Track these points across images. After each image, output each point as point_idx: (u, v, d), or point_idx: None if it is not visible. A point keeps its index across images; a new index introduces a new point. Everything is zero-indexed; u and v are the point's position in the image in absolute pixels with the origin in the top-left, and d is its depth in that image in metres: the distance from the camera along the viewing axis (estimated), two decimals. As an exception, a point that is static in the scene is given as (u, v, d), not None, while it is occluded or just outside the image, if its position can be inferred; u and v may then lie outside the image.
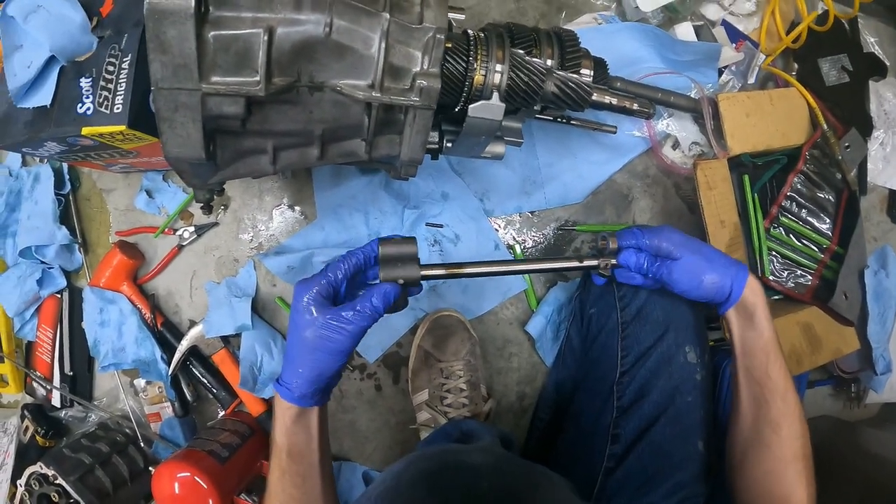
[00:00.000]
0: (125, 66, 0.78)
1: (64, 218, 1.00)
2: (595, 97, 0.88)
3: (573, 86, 0.81)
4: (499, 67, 0.75)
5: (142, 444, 1.02)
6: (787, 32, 1.08)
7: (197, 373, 1.02)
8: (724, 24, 1.07)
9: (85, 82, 0.79)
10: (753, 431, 0.71)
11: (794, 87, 1.02)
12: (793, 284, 1.04)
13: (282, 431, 0.66)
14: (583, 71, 0.84)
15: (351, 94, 0.69)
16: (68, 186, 1.01)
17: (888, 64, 1.11)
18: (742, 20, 1.08)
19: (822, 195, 1.04)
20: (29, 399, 1.04)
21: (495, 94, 0.76)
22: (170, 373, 0.99)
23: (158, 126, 0.67)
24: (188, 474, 0.86)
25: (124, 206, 1.02)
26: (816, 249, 1.04)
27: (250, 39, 0.64)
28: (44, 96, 0.78)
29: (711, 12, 1.06)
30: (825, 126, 1.01)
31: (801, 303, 1.03)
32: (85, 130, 0.77)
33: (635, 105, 0.90)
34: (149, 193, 1.02)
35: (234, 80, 0.65)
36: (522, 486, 0.67)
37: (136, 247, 1.02)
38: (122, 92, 0.77)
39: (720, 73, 1.06)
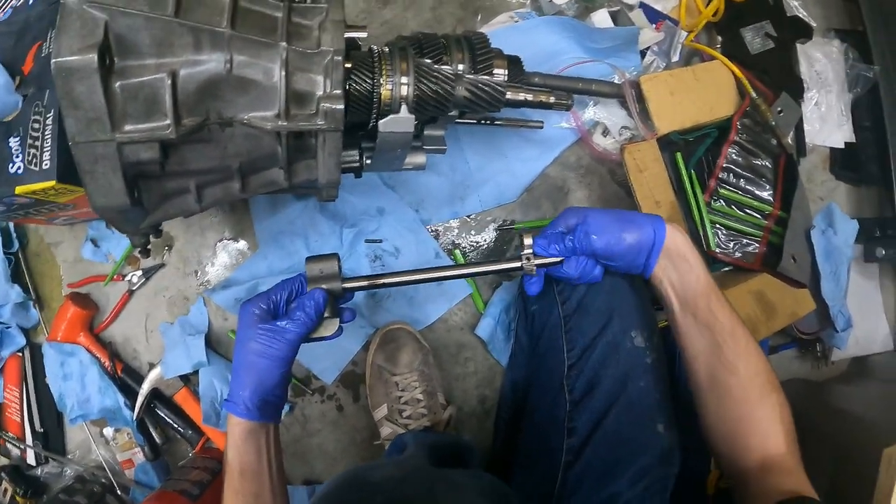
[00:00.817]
0: (49, 121, 0.85)
1: (15, 276, 1.08)
2: (509, 96, 0.93)
3: (484, 87, 0.87)
4: (404, 80, 0.81)
5: (119, 492, 1.09)
6: (707, 6, 1.14)
7: (162, 414, 1.09)
8: (642, 5, 1.14)
9: (14, 142, 0.86)
10: (711, 381, 0.72)
11: (717, 60, 1.09)
12: (740, 254, 1.10)
13: (233, 449, 0.70)
14: (496, 71, 0.90)
15: (260, 126, 0.76)
16: (16, 244, 1.08)
17: (814, 25, 1.18)
18: (659, 0, 1.15)
19: (758, 162, 1.10)
20: (4, 461, 1.11)
21: (403, 107, 0.82)
22: (135, 418, 1.06)
23: (81, 179, 0.73)
24: (161, 514, 0.92)
25: (72, 257, 1.10)
26: (760, 217, 1.10)
27: (155, 85, 0.70)
28: (-24, 161, 0.85)
29: (628, -4, 1.13)
30: (753, 94, 1.07)
31: (751, 271, 1.09)
32: (18, 189, 0.85)
33: (552, 98, 0.97)
34: (94, 242, 1.09)
35: (145, 127, 0.71)
36: (418, 495, 0.72)
37: (89, 297, 1.10)
38: (49, 148, 0.84)
39: (643, 55, 1.13)
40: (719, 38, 1.17)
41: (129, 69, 0.69)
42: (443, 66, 0.86)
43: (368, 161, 0.90)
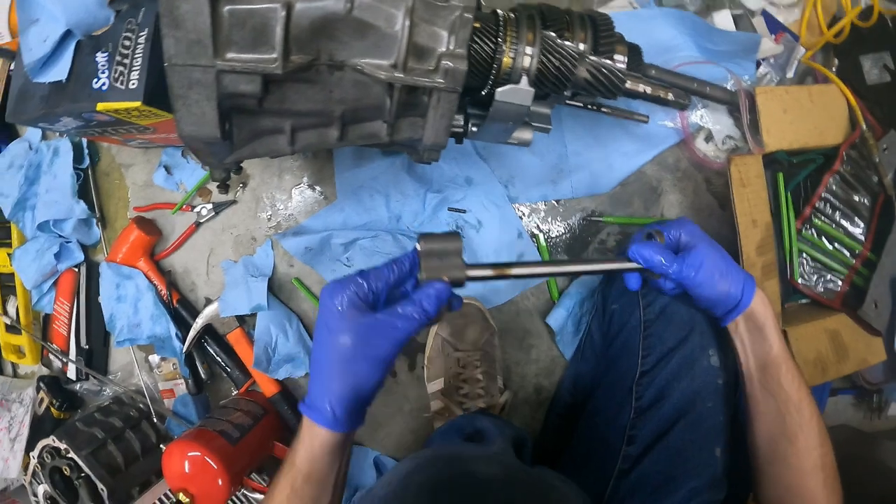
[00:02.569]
0: (141, 40, 0.73)
1: (82, 192, 0.97)
2: (629, 85, 0.81)
3: (606, 72, 0.74)
4: (529, 50, 0.69)
5: (155, 420, 0.99)
6: (829, 26, 0.99)
7: (211, 351, 0.99)
8: (764, 14, 0.98)
9: (101, 57, 0.75)
10: (770, 445, 0.68)
11: (833, 84, 0.94)
12: (822, 289, 0.97)
13: (306, 455, 0.55)
14: (616, 57, 0.77)
15: (372, 74, 0.63)
16: (87, 161, 0.97)
17: (934, 62, 1.02)
18: (783, 11, 1.00)
19: (857, 198, 0.96)
20: (45, 371, 1.02)
21: (524, 79, 0.69)
22: (184, 350, 0.96)
23: (172, 104, 0.62)
24: (198, 454, 0.83)
25: (143, 181, 0.98)
26: (848, 254, 0.97)
27: (267, 15, 0.58)
28: (60, 71, 0.74)
29: (752, 1, 0.98)
30: (864, 126, 0.93)
31: (829, 308, 0.96)
32: (100, 106, 0.73)
33: (670, 95, 0.83)
34: (167, 169, 0.97)
35: (250, 58, 0.60)
36: (530, 502, 0.62)
37: (154, 223, 0.99)
38: (138, 67, 0.72)
39: (758, 65, 0.98)
40: (836, 61, 1.01)
41: None
42: (566, 43, 0.72)
43: (475, 129, 0.77)
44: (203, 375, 0.99)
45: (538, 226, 1.02)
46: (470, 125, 0.77)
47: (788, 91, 0.92)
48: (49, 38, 0.72)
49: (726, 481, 0.72)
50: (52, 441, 0.87)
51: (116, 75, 0.74)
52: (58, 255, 0.95)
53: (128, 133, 0.84)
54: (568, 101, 0.83)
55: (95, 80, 0.74)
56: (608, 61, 0.75)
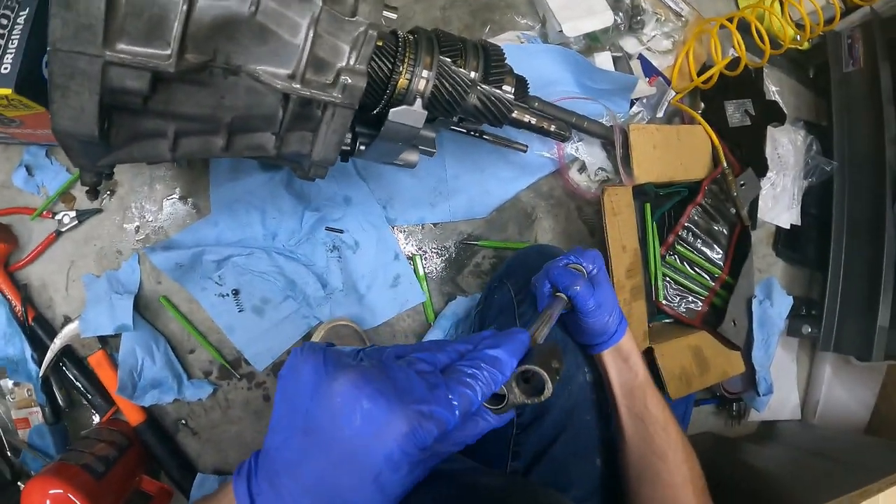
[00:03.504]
0: (20, 20, 0.72)
1: (-81, 192, 0.89)
2: (515, 115, 0.90)
3: (495, 101, 0.83)
4: (425, 74, 0.75)
5: (9, 454, 0.91)
6: (698, 73, 1.16)
7: (70, 375, 0.94)
8: (641, 58, 1.14)
9: (-34, 37, 0.71)
10: (642, 463, 0.76)
11: (699, 125, 1.10)
12: (684, 309, 1.11)
13: None
14: (505, 87, 0.86)
15: (269, 83, 0.67)
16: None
17: (787, 113, 1.22)
18: (658, 56, 1.16)
19: (716, 227, 1.13)
20: None
21: (418, 101, 0.76)
22: (40, 374, 0.90)
23: (49, 93, 0.61)
24: (61, 491, 0.78)
25: (1, 181, 0.92)
26: (708, 278, 1.12)
27: (167, 7, 0.60)
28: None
29: (630, 45, 1.13)
30: (725, 164, 1.10)
31: (690, 327, 1.10)
32: (-35, 90, 0.70)
33: (553, 127, 0.94)
34: (28, 170, 0.93)
35: (142, 51, 0.61)
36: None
37: (10, 229, 0.93)
38: (14, 50, 0.71)
39: (632, 104, 1.13)
40: (702, 105, 1.19)
41: None
42: (461, 70, 0.80)
43: (363, 147, 0.82)
44: (61, 402, 0.93)
45: (416, 247, 1.08)
46: (358, 144, 0.81)
47: (659, 129, 1.07)
48: None
49: (605, 490, 0.80)
50: None
51: None
52: None
53: (-7, 126, 0.80)
54: (453, 127, 0.90)
55: None
56: (498, 91, 0.83)
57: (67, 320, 0.94)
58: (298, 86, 0.67)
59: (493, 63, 0.84)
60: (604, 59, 1.10)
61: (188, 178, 0.99)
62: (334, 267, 1.03)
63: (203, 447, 0.99)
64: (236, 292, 0.99)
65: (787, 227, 1.24)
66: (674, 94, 1.15)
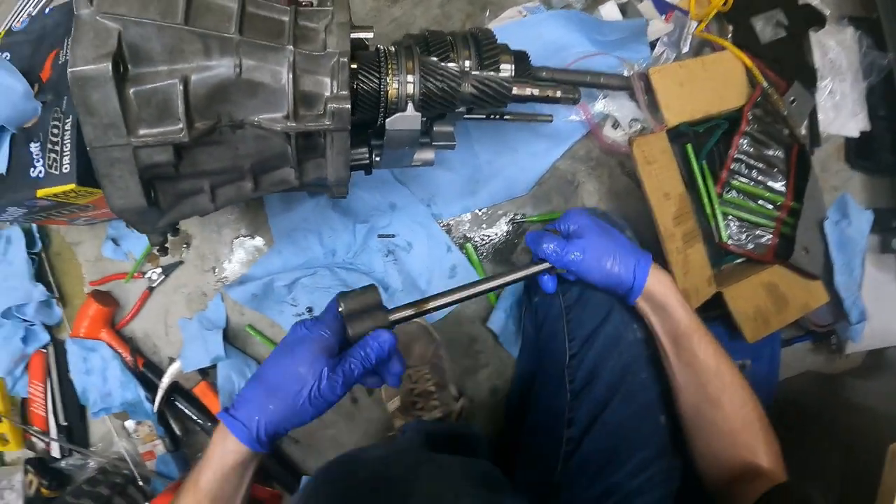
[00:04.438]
0: (68, 127, 0.90)
1: (39, 275, 1.14)
2: (515, 91, 0.96)
3: (489, 84, 0.90)
4: (410, 78, 0.84)
5: (140, 483, 1.14)
6: (717, -4, 1.15)
7: (182, 407, 1.14)
8: (651, -3, 1.15)
9: (34, 147, 0.91)
10: (696, 412, 0.78)
11: (726, 50, 1.10)
12: (752, 246, 1.11)
13: (213, 475, 0.62)
14: (503, 67, 0.93)
15: (269, 128, 0.79)
16: (39, 244, 1.14)
17: (827, 13, 1.18)
18: (669, -10, 1.16)
19: (770, 153, 1.12)
20: (30, 454, 1.17)
21: (410, 105, 0.85)
22: (155, 410, 1.11)
23: (99, 182, 0.78)
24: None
25: (94, 256, 1.15)
26: (772, 208, 1.12)
27: (168, 90, 0.74)
28: (-1, 165, 0.90)
29: (634, -12, 1.15)
30: (764, 84, 1.08)
31: (763, 263, 1.10)
32: (40, 193, 0.90)
33: (558, 93, 0.99)
34: (115, 241, 1.14)
35: (159, 131, 0.75)
36: (402, 474, 0.71)
37: (110, 294, 1.15)
38: (68, 152, 0.89)
39: (653, 46, 1.14)
40: (730, 28, 1.18)
41: (143, 76, 0.73)
42: (449, 64, 0.89)
43: (378, 158, 0.93)
44: (178, 432, 1.14)
45: (465, 236, 1.18)
46: (374, 155, 0.93)
47: (682, 66, 1.08)
48: (-16, 136, 0.90)
49: (678, 446, 0.83)
50: (42, 517, 1.03)
51: (50, 162, 0.91)
52: (25, 340, 1.11)
53: (71, 213, 1.01)
54: (466, 117, 0.98)
55: (32, 169, 0.90)
56: (492, 73, 0.91)
57: (171, 361, 1.14)
58: (294, 123, 0.79)
59: (483, 48, 0.92)
60: (609, 10, 1.13)
61: (249, 218, 1.16)
62: (392, 270, 1.16)
63: (305, 452, 1.17)
64: (310, 309, 1.15)
65: (857, 135, 1.19)
66: (695, 24, 1.15)
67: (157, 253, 1.14)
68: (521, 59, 0.98)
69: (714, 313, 1.09)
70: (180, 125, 0.76)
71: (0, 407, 1.14)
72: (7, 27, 1.04)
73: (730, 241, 1.10)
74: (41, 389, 1.14)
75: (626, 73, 1.09)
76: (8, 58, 0.94)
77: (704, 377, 0.77)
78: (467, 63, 0.91)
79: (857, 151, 1.22)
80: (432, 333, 1.11)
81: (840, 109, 1.17)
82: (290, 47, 0.77)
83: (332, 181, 0.88)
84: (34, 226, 1.14)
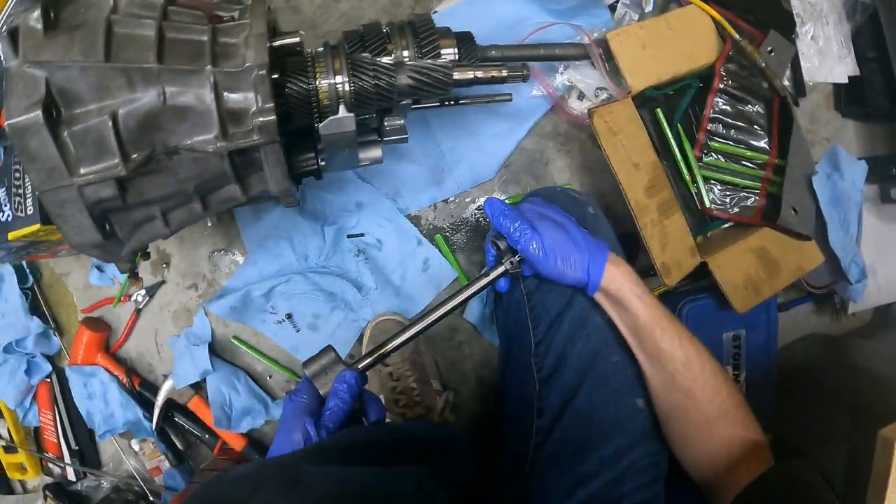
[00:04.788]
0: (27, 170, 0.96)
1: (34, 308, 1.23)
2: (457, 76, 0.95)
3: (426, 71, 0.91)
4: (339, 78, 0.87)
5: (151, 499, 1.22)
6: (680, -55, 1.11)
7: (180, 422, 1.22)
8: (605, -44, 1.12)
9: (1, 191, 0.98)
10: (668, 403, 0.78)
11: (691, 4, 1.07)
12: (738, 209, 1.10)
13: None
14: (444, 52, 0.95)
15: (202, 150, 0.83)
16: (31, 279, 1.23)
17: (802, -48, 1.13)
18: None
19: (750, 109, 1.09)
20: (48, 479, 1.27)
21: (342, 106, 0.87)
22: (154, 428, 1.18)
23: (54, 222, 0.84)
24: (182, 519, 1.04)
25: (82, 284, 1.23)
26: (756, 167, 1.09)
27: (100, 128, 0.79)
28: (-31, 213, 0.98)
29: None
30: (736, 36, 1.05)
31: (751, 227, 1.08)
32: (11, 235, 0.98)
33: (504, 72, 0.98)
34: (99, 268, 1.23)
35: (98, 167, 0.81)
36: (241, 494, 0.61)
37: (102, 319, 1.23)
38: (31, 194, 0.97)
39: (613, 9, 1.13)
40: (698, -20, 1.14)
41: (75, 117, 0.79)
42: (383, 58, 0.90)
43: (324, 163, 0.95)
44: (180, 446, 1.22)
45: (435, 227, 1.21)
46: (320, 160, 0.95)
47: (643, 26, 1.06)
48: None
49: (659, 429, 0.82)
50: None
51: (16, 205, 0.98)
52: (28, 372, 1.21)
53: (49, 248, 1.09)
54: (415, 107, 1.00)
55: (1, 213, 0.98)
56: (428, 61, 0.92)
57: (166, 378, 1.21)
58: (224, 143, 0.82)
59: (420, 35, 0.94)
60: (561, -23, 1.11)
61: (222, 232, 1.22)
62: (364, 269, 1.20)
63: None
64: (290, 316, 1.20)
65: (845, 80, 1.15)
66: (656, -19, 1.11)
67: (128, 279, 1.20)
68: (463, 40, 0.99)
69: (703, 283, 1.07)
70: (116, 160, 0.80)
71: (15, 437, 1.24)
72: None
73: (713, 207, 1.08)
74: (51, 417, 1.23)
75: (583, 41, 1.07)
76: (-37, 106, 1.00)
77: (672, 367, 0.76)
78: (405, 53, 0.93)
79: (848, 98, 1.19)
80: (410, 328, 1.14)
81: (825, 55, 1.13)
82: (209, 67, 0.81)
83: (275, 193, 0.90)
84: (24, 262, 1.21)
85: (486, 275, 0.85)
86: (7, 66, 0.77)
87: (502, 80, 0.99)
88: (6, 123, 0.76)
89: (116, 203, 0.84)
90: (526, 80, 0.99)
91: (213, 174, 0.87)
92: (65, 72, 0.77)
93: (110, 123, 0.78)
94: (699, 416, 0.75)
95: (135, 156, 0.81)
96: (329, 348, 0.80)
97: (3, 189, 0.99)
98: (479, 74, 0.98)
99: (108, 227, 0.87)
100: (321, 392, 0.76)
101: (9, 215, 0.98)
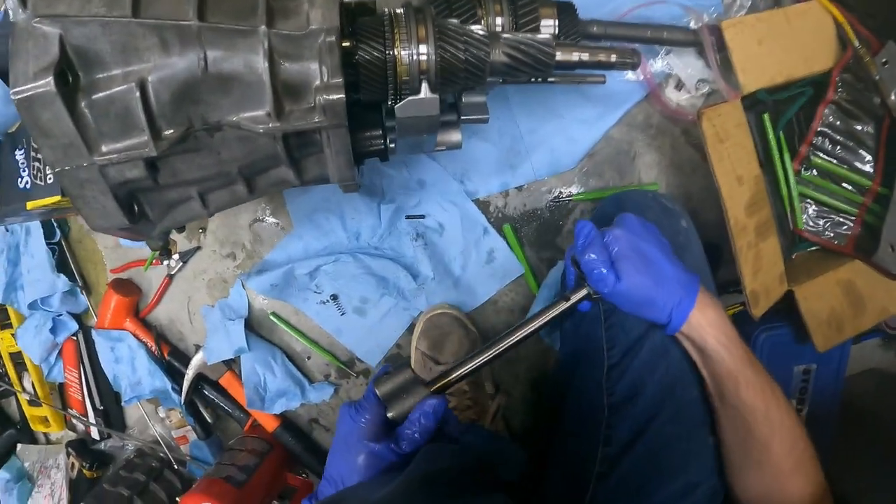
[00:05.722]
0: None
1: (62, 264, 1.01)
2: (560, 56, 0.69)
3: (527, 49, 0.66)
4: (423, 49, 0.61)
5: (176, 467, 1.05)
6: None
7: (211, 396, 1.02)
8: (725, -70, 0.84)
9: (19, 154, 0.79)
10: (741, 451, 0.65)
11: (814, 1, 0.80)
12: (831, 234, 0.87)
13: None
14: (543, 23, 0.71)
15: (251, 129, 0.60)
16: (58, 234, 1.01)
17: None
18: (748, -80, 0.85)
19: (859, 127, 0.85)
20: (72, 435, 1.10)
21: (424, 85, 0.63)
22: (182, 402, 1.00)
23: (73, 204, 0.62)
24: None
25: (112, 242, 1.02)
26: (856, 191, 0.84)
27: (125, 97, 0.57)
28: (-13, 175, 0.77)
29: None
30: (857, 43, 0.80)
31: (841, 255, 0.86)
32: (29, 205, 0.77)
33: (613, 57, 0.72)
34: (131, 229, 0.97)
35: (123, 146, 0.59)
36: None
37: (131, 282, 1.02)
38: (52, 162, 0.73)
39: (724, -7, 0.85)
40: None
41: (95, 83, 0.56)
42: (473, 27, 0.64)
43: (393, 145, 0.71)
44: (209, 419, 1.03)
45: (504, 217, 0.97)
46: (389, 140, 0.71)
47: (760, 18, 0.81)
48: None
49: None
50: (82, 507, 0.93)
51: (35, 172, 0.77)
52: (53, 330, 1.00)
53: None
54: (502, 83, 0.74)
55: (20, 178, 0.78)
56: (528, 36, 0.66)
57: (198, 348, 1.02)
58: (278, 123, 0.60)
59: (519, 1, 0.68)
60: (673, -50, 0.83)
61: (267, 200, 0.98)
62: (422, 255, 0.97)
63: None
64: (335, 297, 0.99)
65: None
66: (778, -36, 0.84)
67: (159, 256, 0.97)
68: (565, 11, 0.75)
69: (780, 307, 0.85)
70: (145, 137, 0.58)
71: (40, 392, 1.04)
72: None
73: (805, 228, 0.85)
74: (76, 375, 1.04)
75: (692, 26, 0.81)
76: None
77: (751, 419, 0.62)
78: (499, 22, 0.69)
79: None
80: (468, 326, 0.94)
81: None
82: (264, 28, 0.58)
83: (335, 181, 0.67)
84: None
85: (567, 298, 0.64)
86: (14, 21, 0.53)
87: (610, 67, 0.73)
88: (11, 91, 0.53)
89: (147, 184, 0.62)
90: (636, 69, 0.74)
91: (263, 155, 0.64)
92: (83, 28, 0.54)
93: (138, 93, 0.55)
94: (773, 469, 0.63)
95: (167, 132, 0.59)
96: (407, 367, 0.62)
97: (23, 152, 0.76)
98: (585, 57, 0.70)
99: (137, 208, 0.65)
100: (389, 414, 0.59)
101: (27, 182, 0.76)
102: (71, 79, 0.54)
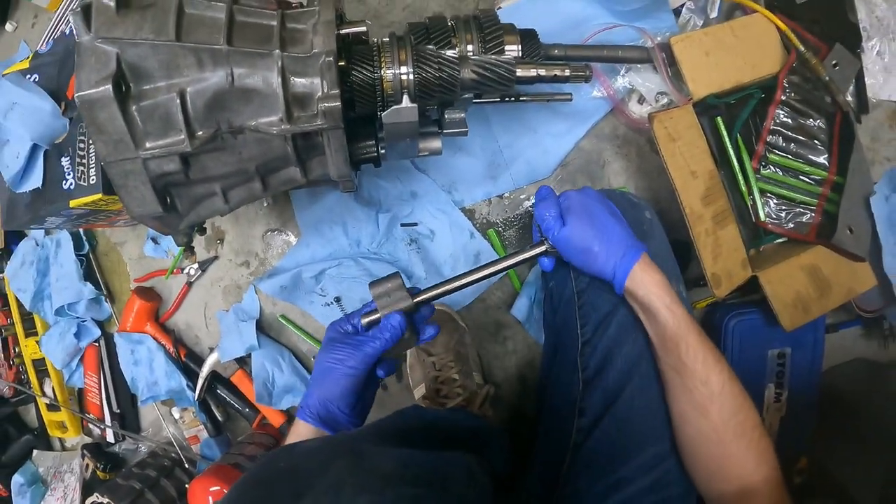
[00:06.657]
0: (92, 141, 0.96)
1: (89, 274, 1.23)
2: (520, 73, 0.92)
3: (490, 67, 0.88)
4: (404, 69, 0.85)
5: (186, 465, 1.23)
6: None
7: (222, 394, 1.21)
8: (673, -40, 1.09)
9: (65, 161, 0.99)
10: (683, 418, 0.75)
11: (757, 13, 1.03)
12: (793, 225, 1.05)
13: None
14: (508, 48, 0.92)
15: (267, 131, 0.82)
16: (87, 247, 1.23)
17: (874, -35, 1.07)
18: (692, -49, 1.09)
19: (811, 123, 1.04)
20: (87, 439, 1.29)
21: (405, 96, 0.85)
22: (196, 399, 1.19)
23: (117, 193, 0.84)
24: (218, 487, 1.05)
25: (136, 254, 1.23)
26: (814, 183, 1.04)
27: (168, 104, 0.79)
28: (35, 180, 0.99)
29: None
30: (801, 48, 1.01)
31: (804, 244, 1.04)
32: (72, 203, 0.98)
33: (567, 72, 0.95)
34: (154, 240, 1.22)
35: (164, 143, 0.81)
36: (313, 467, 0.62)
37: (153, 290, 1.23)
38: (94, 164, 0.97)
39: (677, 14, 1.09)
40: (765, -12, 1.10)
41: (144, 93, 0.78)
42: (448, 51, 0.88)
43: (383, 151, 0.94)
44: (220, 417, 1.22)
45: (488, 221, 1.18)
46: (380, 148, 0.94)
47: (707, 32, 1.02)
48: (20, 154, 0.98)
49: None
50: (95, 497, 1.12)
51: (79, 174, 0.98)
52: (77, 335, 1.22)
53: (108, 217, 1.09)
54: (476, 101, 0.97)
55: (64, 181, 0.98)
56: (492, 57, 0.89)
57: (212, 350, 1.22)
58: (289, 126, 0.82)
59: (485, 30, 0.91)
60: (628, -21, 1.07)
61: (277, 212, 1.21)
62: (415, 258, 1.18)
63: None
64: (338, 299, 1.19)
65: None
66: (724, -13, 1.07)
67: (183, 254, 1.20)
68: (528, 37, 0.96)
69: (752, 297, 1.04)
70: (182, 136, 0.80)
71: (59, 396, 1.25)
72: (34, 51, 1.11)
73: (768, 220, 1.04)
74: (95, 380, 1.24)
75: (647, 45, 1.04)
76: (36, 79, 1.02)
77: (691, 383, 0.73)
78: (470, 48, 0.90)
79: (913, 116, 1.12)
80: (457, 321, 1.13)
81: (890, 72, 1.08)
82: (278, 51, 0.80)
83: (335, 178, 0.90)
84: (80, 230, 1.22)
85: (531, 248, 0.84)
86: (80, 41, 0.77)
87: (565, 80, 0.96)
88: (77, 95, 0.76)
89: (179, 178, 0.84)
90: (588, 81, 0.97)
91: (276, 155, 0.87)
92: (136, 49, 0.77)
93: (178, 101, 0.78)
94: (713, 435, 0.71)
95: (200, 133, 0.81)
96: (397, 275, 0.84)
97: (68, 159, 0.99)
98: (542, 73, 0.95)
99: (168, 201, 0.88)
100: (380, 314, 0.82)
101: (71, 184, 0.98)
102: (124, 88, 0.76)
